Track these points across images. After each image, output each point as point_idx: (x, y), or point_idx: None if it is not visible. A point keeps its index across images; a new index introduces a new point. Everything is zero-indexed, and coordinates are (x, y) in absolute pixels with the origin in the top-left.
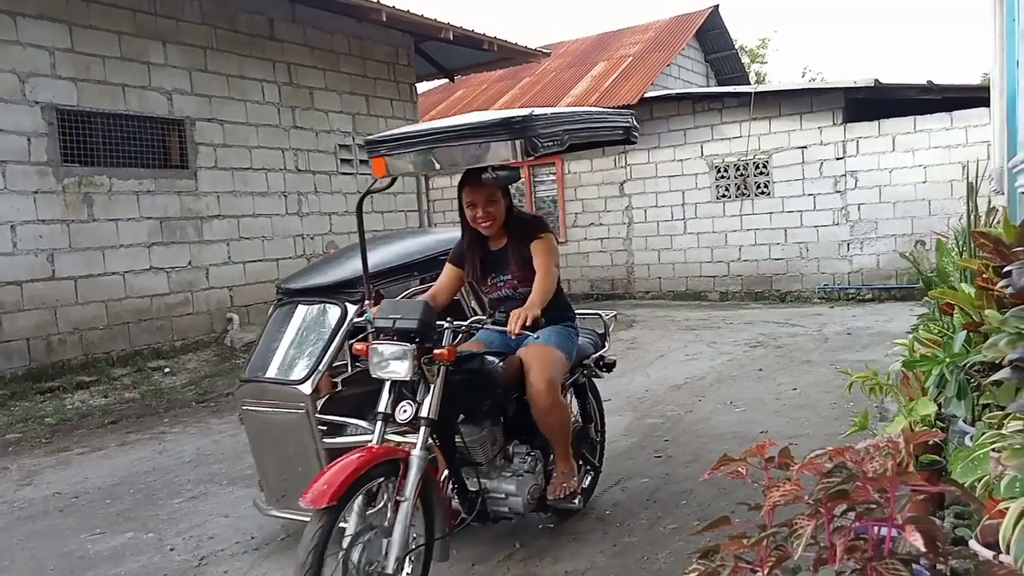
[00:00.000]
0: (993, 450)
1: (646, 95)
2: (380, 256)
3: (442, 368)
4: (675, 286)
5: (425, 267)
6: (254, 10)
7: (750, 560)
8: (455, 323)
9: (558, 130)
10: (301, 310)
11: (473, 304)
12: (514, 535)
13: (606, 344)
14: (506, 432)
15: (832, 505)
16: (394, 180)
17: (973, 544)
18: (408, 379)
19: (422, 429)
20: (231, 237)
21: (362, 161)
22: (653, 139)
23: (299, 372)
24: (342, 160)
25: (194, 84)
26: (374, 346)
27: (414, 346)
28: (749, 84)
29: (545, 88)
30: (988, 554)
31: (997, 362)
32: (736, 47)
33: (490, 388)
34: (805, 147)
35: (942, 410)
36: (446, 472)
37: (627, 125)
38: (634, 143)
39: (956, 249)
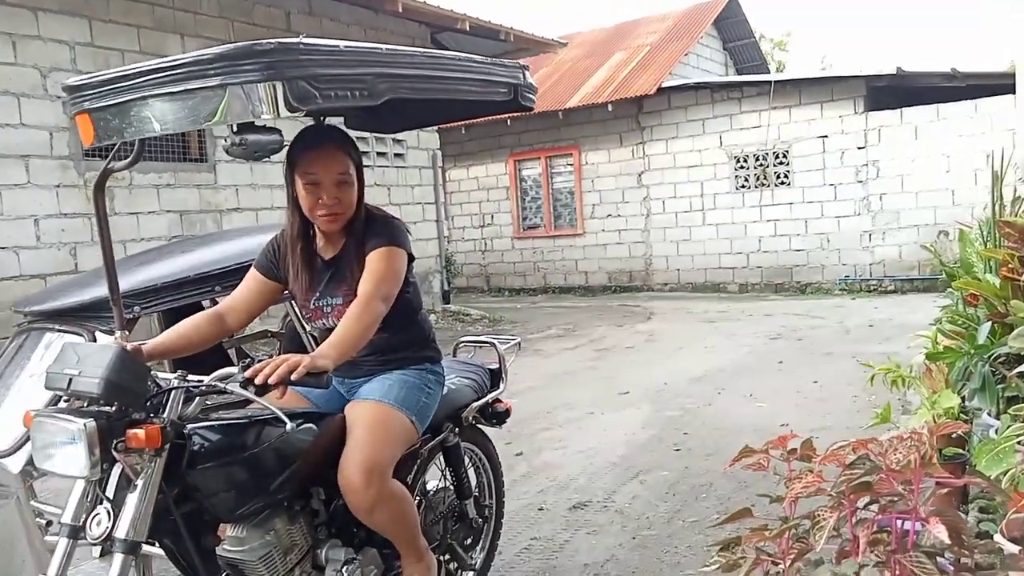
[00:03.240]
0: (1019, 443)
1: (664, 85)
2: (171, 265)
3: (157, 459)
4: (694, 278)
5: (231, 277)
6: (271, 3)
7: (771, 553)
8: (188, 380)
9: (361, 73)
10: (45, 341)
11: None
12: (531, 527)
13: (501, 384)
14: (328, 523)
15: (855, 497)
16: (138, 154)
17: (998, 538)
18: (86, 477)
19: (117, 559)
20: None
21: (379, 153)
22: (671, 129)
23: (7, 439)
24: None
25: None
26: (37, 419)
27: (92, 423)
28: (769, 73)
29: (563, 78)
30: (1014, 548)
31: (1022, 354)
32: (756, 36)
33: (274, 472)
34: (826, 136)
35: (966, 403)
36: None
37: (514, 82)
38: (528, 108)
39: (980, 239)
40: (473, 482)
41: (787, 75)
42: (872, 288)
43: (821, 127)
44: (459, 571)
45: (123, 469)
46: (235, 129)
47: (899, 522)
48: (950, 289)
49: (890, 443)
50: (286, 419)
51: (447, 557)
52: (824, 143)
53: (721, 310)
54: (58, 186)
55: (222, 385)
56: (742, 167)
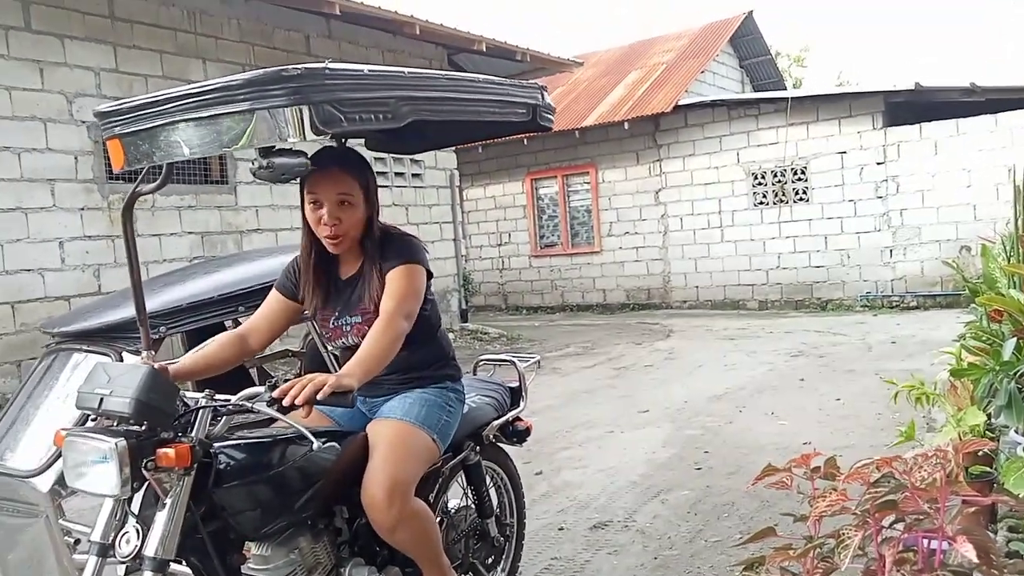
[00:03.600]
0: None
1: (680, 102)
2: (196, 286)
3: (186, 478)
4: (713, 295)
5: (254, 298)
6: (291, 27)
7: (796, 572)
8: (216, 399)
9: (384, 96)
10: (74, 362)
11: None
12: (551, 547)
13: (521, 403)
14: (351, 542)
15: (880, 516)
16: (166, 178)
17: None
18: (117, 496)
19: None
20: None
21: (397, 173)
22: (688, 146)
23: (37, 459)
24: (377, 172)
25: None
26: (69, 439)
27: (123, 442)
28: (786, 89)
29: (579, 97)
30: None
31: None
32: (772, 52)
33: (299, 490)
34: (844, 152)
35: (992, 420)
36: None
37: (533, 103)
38: (547, 128)
39: (1003, 254)
40: (494, 501)
41: (804, 91)
42: (894, 304)
43: (839, 143)
44: None
45: (152, 488)
46: (262, 152)
47: (925, 541)
48: (973, 305)
49: (915, 461)
50: (312, 438)
51: (470, 575)
52: (843, 159)
53: (741, 327)
54: (82, 209)
55: (249, 405)
56: (760, 183)
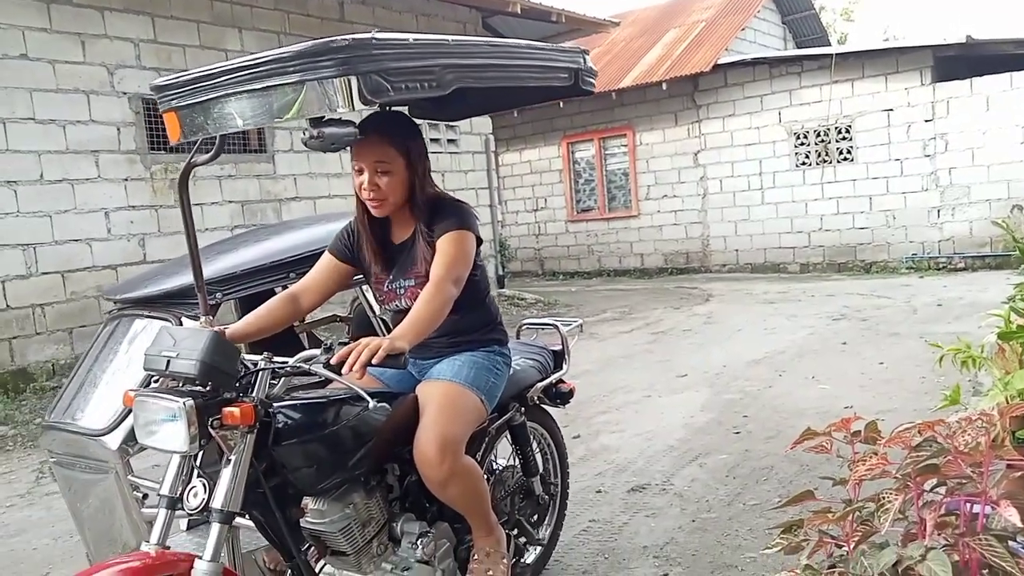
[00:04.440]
0: None
1: (720, 61)
2: (248, 253)
3: (249, 435)
4: (753, 258)
5: (305, 264)
6: None
7: (835, 535)
8: (275, 361)
9: (430, 64)
10: (136, 327)
11: (385, 316)
12: (589, 509)
13: (564, 365)
14: (401, 499)
15: (921, 480)
16: (219, 148)
17: None
18: (185, 452)
19: (214, 528)
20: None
21: (433, 139)
22: (728, 106)
23: (105, 418)
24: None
25: None
26: (139, 399)
27: (191, 402)
28: (830, 46)
29: (616, 58)
30: None
31: None
32: (816, 7)
33: (353, 448)
34: (891, 110)
35: None
36: (288, 573)
37: (575, 67)
38: (589, 92)
39: None
40: (539, 461)
41: (849, 47)
42: (941, 266)
43: (886, 100)
44: (527, 545)
45: (216, 445)
46: (312, 122)
47: (968, 505)
48: None
49: (959, 425)
50: (367, 397)
51: (515, 532)
52: (889, 117)
53: (781, 291)
54: (126, 179)
55: (307, 366)
56: (802, 143)
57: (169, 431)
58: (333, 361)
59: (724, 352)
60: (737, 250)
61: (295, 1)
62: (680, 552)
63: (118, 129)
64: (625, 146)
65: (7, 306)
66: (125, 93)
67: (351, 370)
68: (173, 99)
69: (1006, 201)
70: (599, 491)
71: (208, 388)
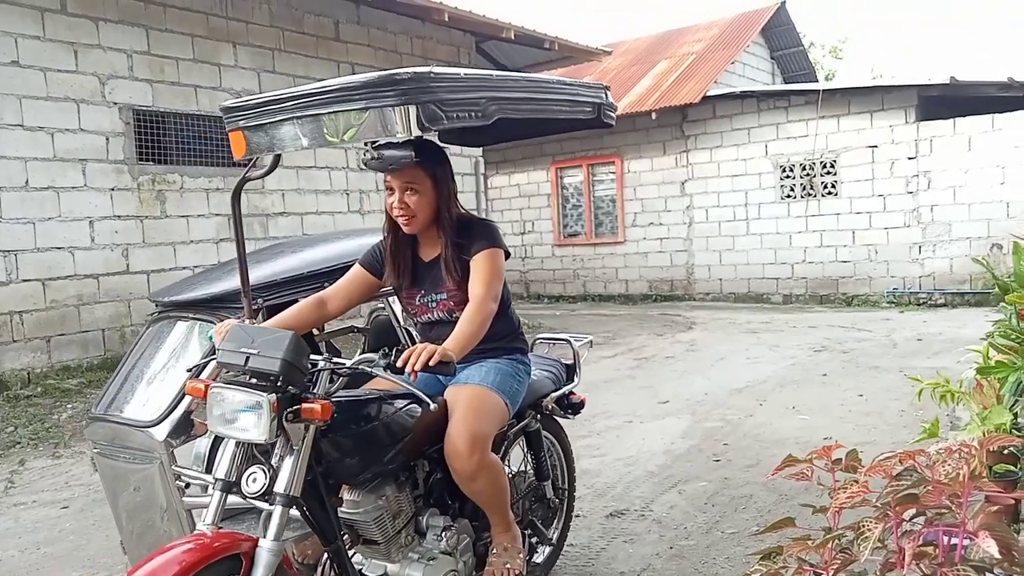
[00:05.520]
0: None
1: (709, 93)
2: (285, 263)
3: (312, 428)
4: (736, 288)
5: (339, 275)
6: (320, 12)
7: (814, 563)
8: (334, 362)
9: (476, 97)
10: (179, 328)
11: (410, 327)
12: (567, 534)
13: (575, 378)
14: (425, 495)
15: (901, 509)
16: (274, 165)
17: None
18: (263, 441)
19: (277, 510)
20: (295, 234)
21: None
22: (716, 138)
23: (153, 411)
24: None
25: (262, 85)
26: (216, 390)
27: (274, 396)
28: (817, 81)
29: None
30: None
31: None
32: (804, 44)
33: (388, 444)
34: (875, 146)
35: (1018, 419)
36: (325, 556)
37: (597, 101)
38: (609, 125)
39: None
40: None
41: (836, 83)
42: (921, 301)
43: (871, 136)
44: (539, 545)
45: (283, 434)
46: (377, 144)
47: (946, 536)
48: (1003, 303)
49: (938, 455)
50: (427, 399)
51: (528, 532)
52: (873, 153)
53: (764, 321)
54: (112, 189)
55: (367, 368)
56: (788, 176)
57: (249, 421)
58: (399, 364)
59: (706, 380)
60: (721, 279)
61: (291, 18)
62: None
63: (107, 139)
64: (613, 173)
65: None
66: (116, 103)
67: (412, 369)
68: (240, 119)
69: (986, 239)
70: (578, 515)
71: (280, 384)
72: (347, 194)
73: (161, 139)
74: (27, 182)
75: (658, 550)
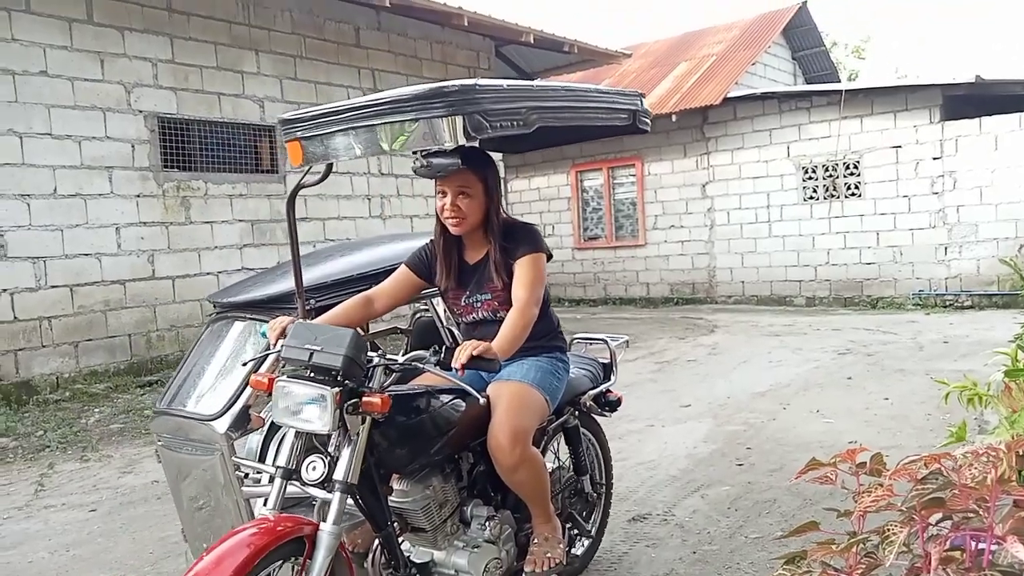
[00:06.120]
0: None
1: (730, 95)
2: (335, 266)
3: (369, 419)
4: (758, 290)
5: (386, 278)
6: (341, 19)
7: (838, 567)
8: (387, 358)
9: (518, 107)
10: (237, 328)
11: (452, 327)
12: None
13: (612, 377)
14: (469, 487)
15: (927, 513)
16: (327, 173)
17: None
18: (326, 432)
19: (336, 496)
20: (317, 239)
21: None
22: (737, 139)
23: (214, 405)
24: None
25: (284, 91)
26: (281, 384)
27: (337, 390)
28: (839, 82)
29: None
30: None
31: None
32: (826, 44)
33: (436, 436)
34: (900, 146)
35: None
36: (377, 541)
37: (633, 108)
38: (644, 131)
39: None
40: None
41: (859, 84)
42: (947, 303)
43: (895, 137)
44: (578, 536)
45: (342, 425)
46: (427, 152)
47: (973, 541)
48: None
49: (965, 458)
50: (477, 394)
51: (568, 524)
52: (898, 153)
53: (787, 324)
54: (138, 196)
55: (419, 365)
56: (810, 178)
57: (313, 413)
58: (454, 364)
59: (728, 383)
60: (743, 282)
61: (312, 25)
62: None
63: (132, 146)
64: (633, 176)
65: (15, 318)
66: (141, 111)
67: (459, 365)
68: (298, 131)
69: (1014, 240)
70: None
71: (341, 378)
72: (368, 199)
73: (185, 146)
74: (55, 190)
75: (681, 555)
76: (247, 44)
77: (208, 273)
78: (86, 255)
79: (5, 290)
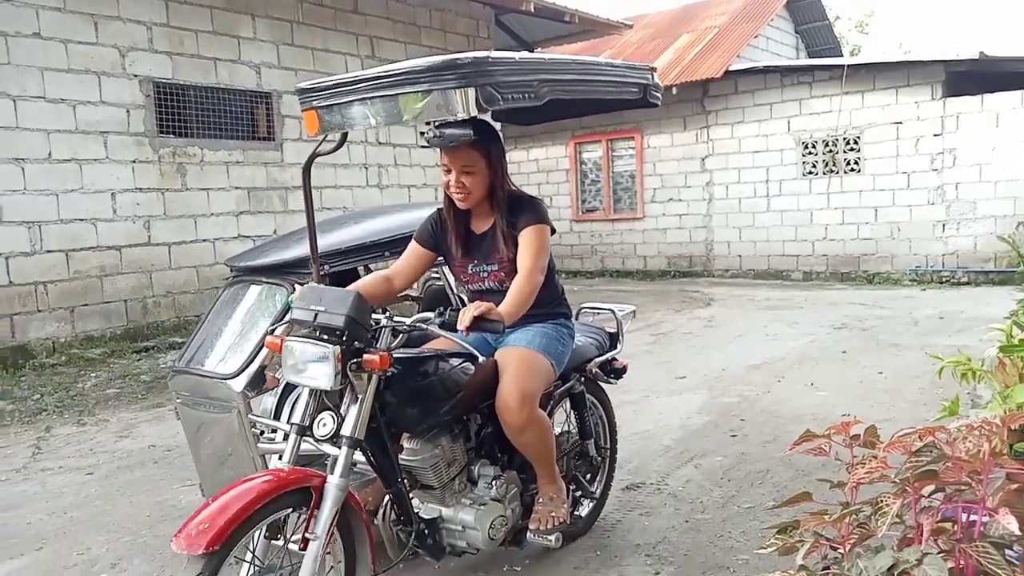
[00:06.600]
0: None
1: (731, 68)
2: (348, 232)
3: (374, 377)
4: (756, 264)
5: (398, 245)
6: None
7: (830, 537)
8: (395, 320)
9: (530, 79)
10: (253, 291)
11: (462, 294)
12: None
13: (618, 346)
14: (477, 448)
15: (920, 485)
16: (342, 141)
17: None
18: (330, 389)
19: (343, 451)
20: (314, 207)
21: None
22: (737, 113)
23: (232, 365)
24: (421, 133)
25: (281, 58)
26: (289, 343)
27: (339, 348)
28: (842, 56)
29: (627, 60)
30: None
31: None
32: (830, 18)
33: (445, 398)
34: (900, 123)
35: None
36: (387, 497)
37: (644, 82)
38: (655, 105)
39: None
40: (591, 426)
41: (861, 59)
42: (944, 279)
43: (896, 113)
44: (582, 498)
45: (350, 384)
46: (438, 123)
47: (965, 513)
48: None
49: (959, 431)
50: (476, 352)
51: (573, 486)
52: (898, 129)
53: (783, 298)
54: (134, 161)
55: (424, 326)
56: (810, 153)
57: (318, 371)
58: (459, 325)
59: (724, 356)
60: (740, 256)
61: None
62: (672, 552)
63: (128, 111)
64: (633, 148)
65: (10, 282)
66: (136, 76)
67: (464, 325)
68: (315, 100)
69: (1012, 218)
70: None
71: (346, 338)
72: (365, 168)
73: (181, 112)
74: (50, 154)
75: (673, 523)
76: (243, 8)
77: (204, 240)
78: (82, 220)
79: (0, 254)
